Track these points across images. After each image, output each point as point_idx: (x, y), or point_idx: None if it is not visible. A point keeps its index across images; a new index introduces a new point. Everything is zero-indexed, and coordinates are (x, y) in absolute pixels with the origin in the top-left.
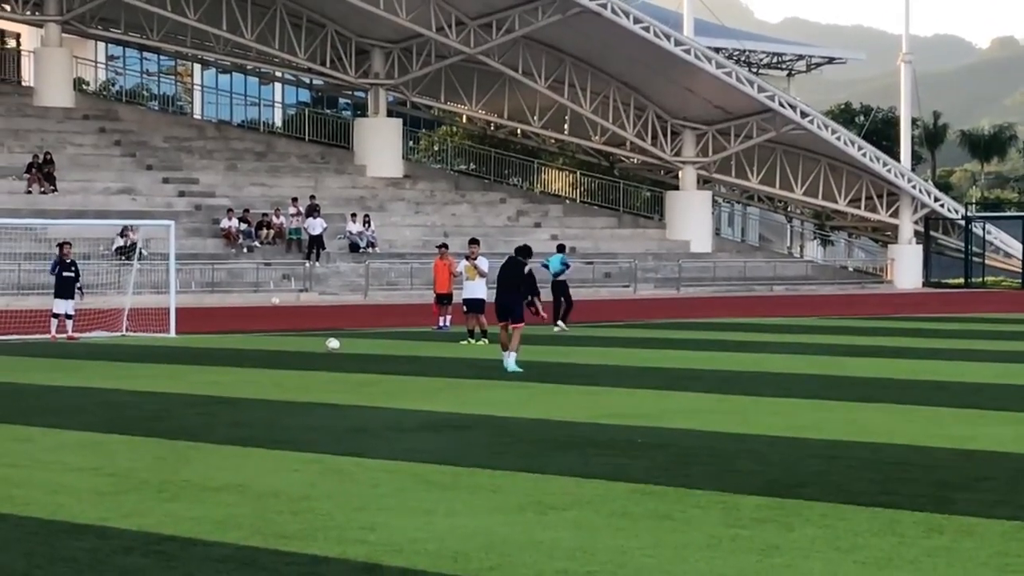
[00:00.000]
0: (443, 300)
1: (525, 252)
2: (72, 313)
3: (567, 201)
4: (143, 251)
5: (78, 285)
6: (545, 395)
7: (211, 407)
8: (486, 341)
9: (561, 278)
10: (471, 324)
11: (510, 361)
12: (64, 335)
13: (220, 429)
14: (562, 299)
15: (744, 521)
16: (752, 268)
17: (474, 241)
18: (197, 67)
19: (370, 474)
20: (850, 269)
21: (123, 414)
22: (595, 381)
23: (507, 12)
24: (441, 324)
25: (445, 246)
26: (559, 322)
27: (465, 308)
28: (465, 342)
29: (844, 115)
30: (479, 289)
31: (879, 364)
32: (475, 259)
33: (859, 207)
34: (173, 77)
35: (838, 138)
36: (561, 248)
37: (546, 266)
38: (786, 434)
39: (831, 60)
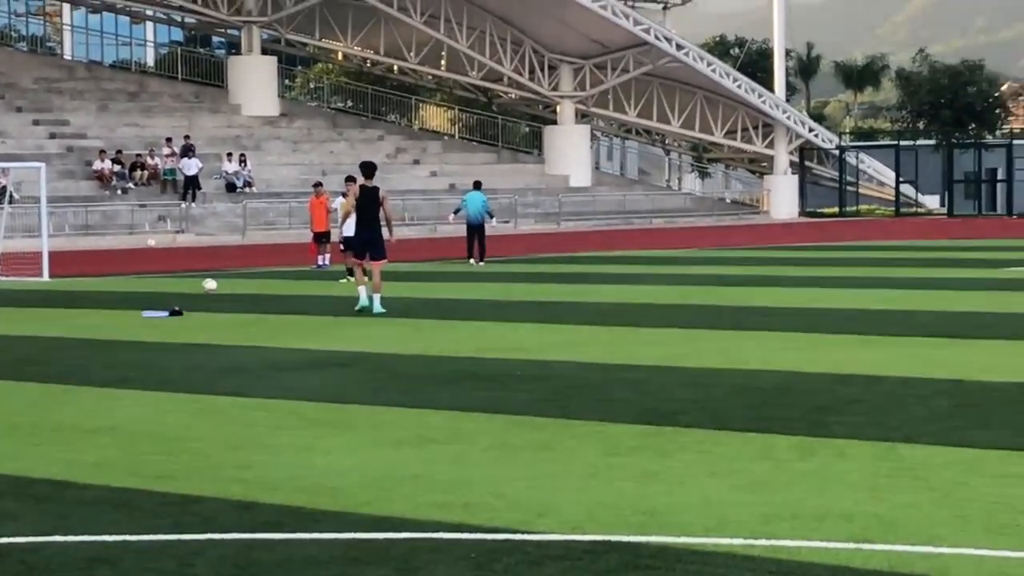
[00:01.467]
0: (321, 239)
1: (369, 169)
2: None
3: (446, 137)
4: (14, 194)
5: None
6: (426, 331)
7: (84, 350)
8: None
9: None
10: (350, 262)
11: (376, 302)
12: None
13: (94, 372)
14: (476, 238)
15: (621, 449)
16: (631, 201)
17: (351, 178)
18: (66, 7)
19: (247, 413)
20: (728, 201)
21: None
22: (476, 316)
23: None
24: (320, 263)
25: (320, 184)
26: (476, 259)
27: (343, 246)
28: (344, 280)
29: (719, 47)
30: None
31: (755, 293)
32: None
33: (735, 139)
34: (42, 17)
35: (713, 70)
36: (478, 186)
37: (458, 209)
38: (663, 363)
39: None
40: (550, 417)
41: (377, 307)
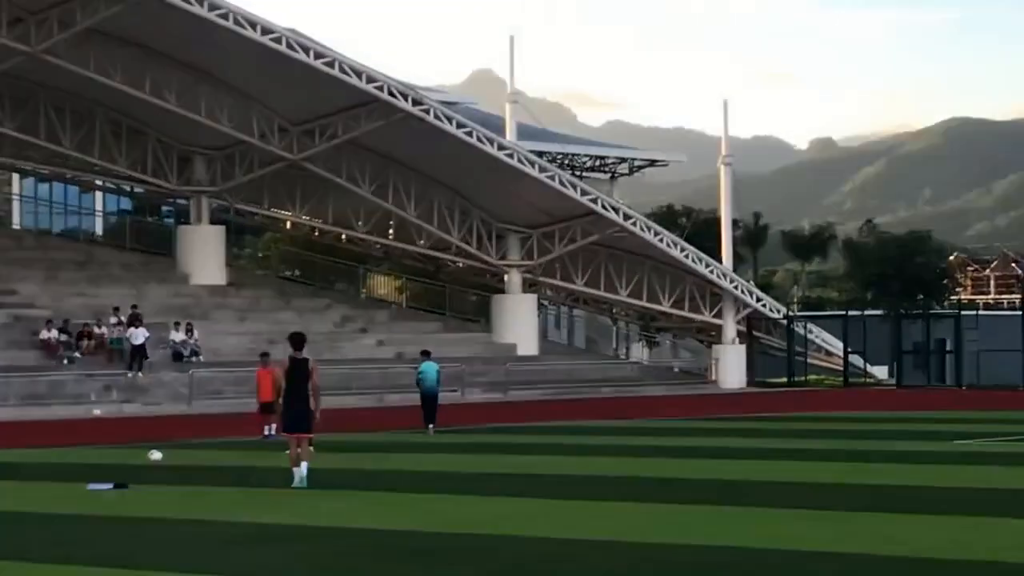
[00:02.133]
0: (267, 408)
1: (298, 340)
2: None
3: (394, 306)
4: None
5: None
6: (372, 504)
7: (27, 524)
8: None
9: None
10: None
11: (303, 473)
12: None
13: (35, 548)
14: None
15: None
16: (579, 370)
17: (265, 354)
18: (15, 176)
19: None
20: (676, 370)
21: None
22: (424, 488)
23: (330, 118)
24: (266, 432)
25: (267, 354)
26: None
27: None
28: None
29: (667, 217)
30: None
31: (702, 465)
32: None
33: (683, 308)
34: None
35: (661, 240)
36: (427, 355)
37: (419, 380)
38: (614, 538)
39: (653, 163)
40: None
41: (304, 479)
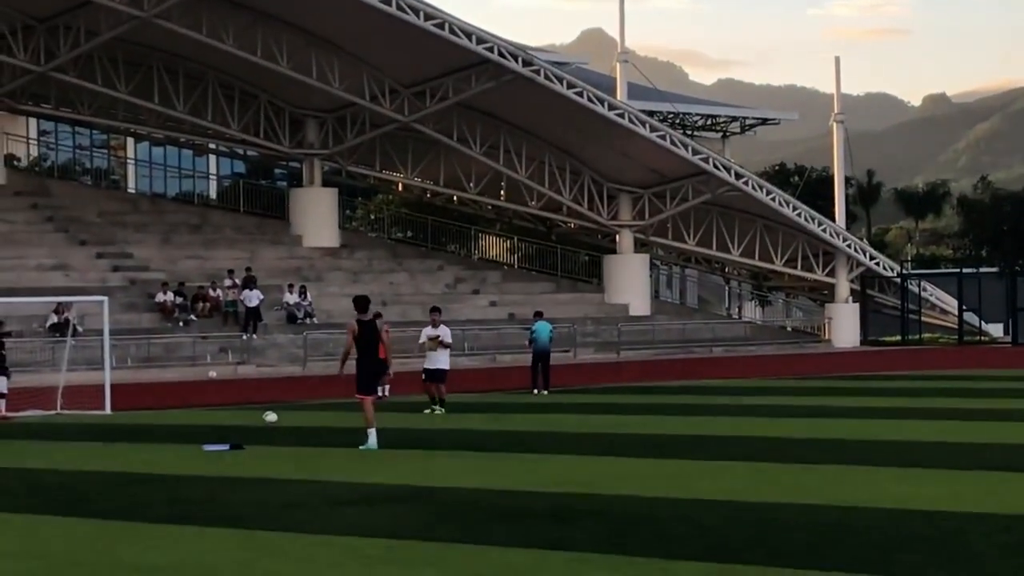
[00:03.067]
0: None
1: (363, 304)
2: (5, 392)
3: (505, 267)
4: (78, 327)
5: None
6: (483, 464)
7: (146, 485)
8: (443, 410)
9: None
10: (432, 391)
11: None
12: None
13: (155, 507)
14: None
15: None
16: (691, 330)
17: (435, 309)
18: (130, 140)
19: (305, 550)
20: (788, 329)
21: (56, 495)
22: (534, 448)
23: (440, 80)
24: (379, 394)
25: (379, 315)
26: (540, 389)
27: (424, 376)
28: (428, 411)
29: (779, 176)
30: (442, 359)
31: (815, 425)
32: (437, 328)
33: (795, 267)
34: (106, 151)
35: (773, 199)
36: (540, 315)
37: (531, 339)
38: (723, 498)
39: (764, 121)
40: (608, 554)
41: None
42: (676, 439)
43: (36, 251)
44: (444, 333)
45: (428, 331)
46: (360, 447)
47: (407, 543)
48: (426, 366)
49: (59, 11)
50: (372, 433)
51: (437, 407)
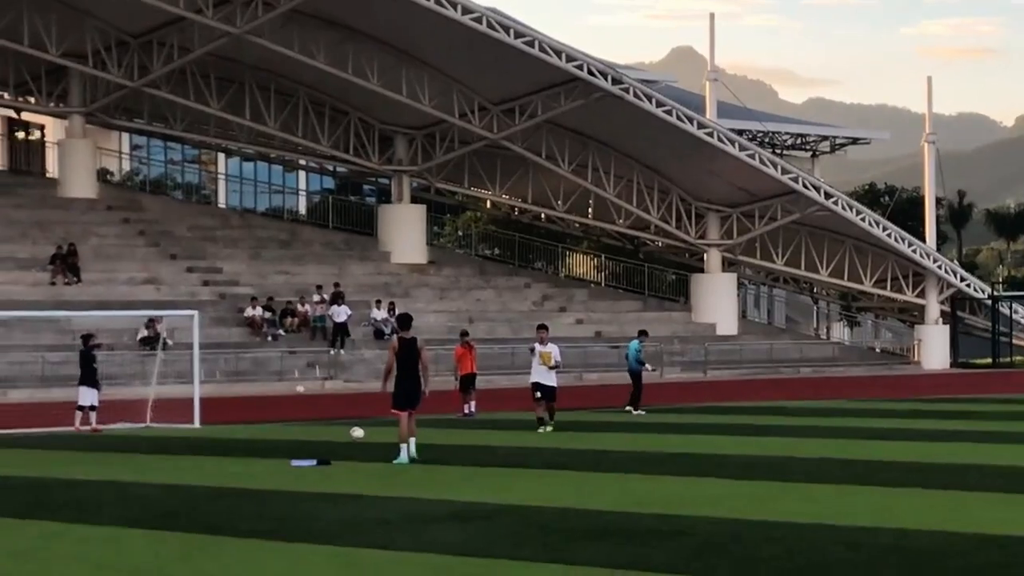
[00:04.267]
0: (467, 384)
1: (405, 322)
2: (96, 404)
3: (592, 285)
4: (167, 341)
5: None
6: (571, 483)
7: (234, 500)
8: (550, 428)
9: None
10: (541, 411)
11: (412, 450)
12: (88, 427)
13: (243, 522)
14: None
15: None
16: (779, 350)
17: (543, 326)
18: (221, 156)
19: (392, 567)
20: (877, 350)
21: (145, 508)
22: (621, 468)
23: (529, 97)
24: (466, 411)
25: (466, 332)
26: (634, 408)
27: (535, 393)
28: (542, 429)
29: (869, 195)
30: (551, 376)
31: (905, 448)
32: (546, 344)
33: (885, 288)
34: (197, 166)
35: (863, 219)
36: (641, 333)
37: (628, 355)
38: (811, 520)
39: (855, 140)
40: (695, 575)
41: (412, 453)
42: (763, 460)
43: (128, 265)
44: (554, 351)
45: (538, 347)
46: (393, 461)
47: (494, 561)
48: (536, 380)
49: (153, 27)
50: (403, 448)
51: (547, 426)
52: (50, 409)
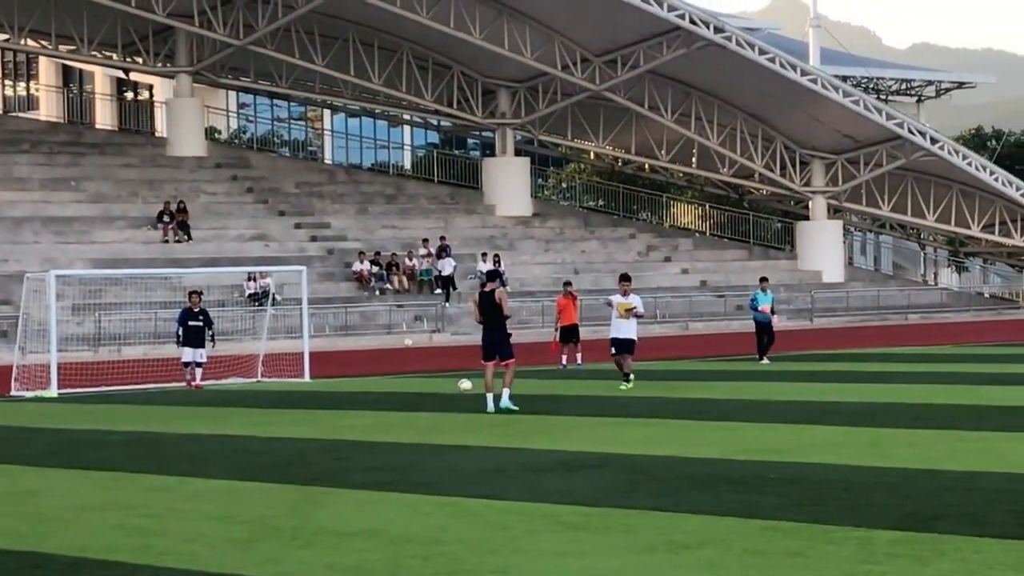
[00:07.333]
0: (567, 336)
1: (489, 275)
2: (201, 361)
3: (697, 234)
4: (276, 296)
5: (209, 333)
6: (677, 431)
7: (345, 451)
8: (631, 385)
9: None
10: (620, 363)
11: (506, 398)
12: (192, 383)
13: (354, 474)
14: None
15: (878, 556)
16: (886, 297)
17: (625, 277)
18: (326, 112)
19: (502, 516)
20: (986, 296)
21: (258, 461)
22: (728, 416)
23: (631, 48)
24: (565, 363)
25: (569, 283)
26: (764, 358)
27: (613, 347)
28: (624, 386)
29: (975, 140)
30: (631, 328)
31: (1016, 392)
32: (627, 296)
33: (993, 232)
34: (303, 123)
35: (969, 164)
36: (764, 280)
37: (754, 306)
38: (921, 466)
39: (960, 84)
40: (804, 522)
41: (506, 402)
42: (871, 407)
43: (236, 222)
44: (637, 302)
45: (617, 299)
46: (486, 410)
47: (602, 510)
48: (614, 335)
49: None
50: (489, 398)
51: (627, 383)
52: (163, 365)
